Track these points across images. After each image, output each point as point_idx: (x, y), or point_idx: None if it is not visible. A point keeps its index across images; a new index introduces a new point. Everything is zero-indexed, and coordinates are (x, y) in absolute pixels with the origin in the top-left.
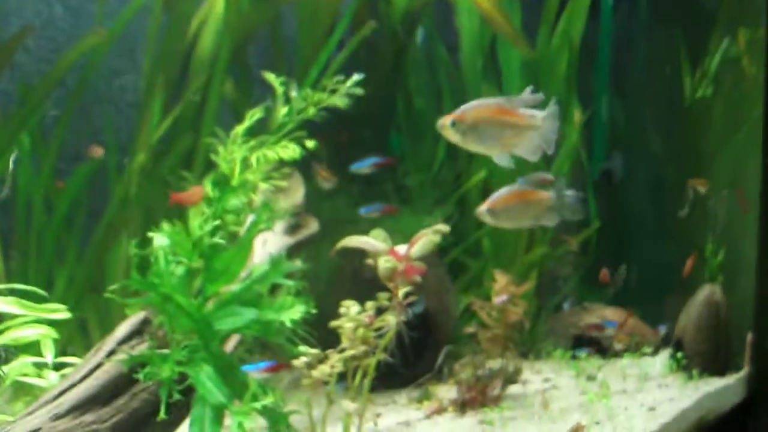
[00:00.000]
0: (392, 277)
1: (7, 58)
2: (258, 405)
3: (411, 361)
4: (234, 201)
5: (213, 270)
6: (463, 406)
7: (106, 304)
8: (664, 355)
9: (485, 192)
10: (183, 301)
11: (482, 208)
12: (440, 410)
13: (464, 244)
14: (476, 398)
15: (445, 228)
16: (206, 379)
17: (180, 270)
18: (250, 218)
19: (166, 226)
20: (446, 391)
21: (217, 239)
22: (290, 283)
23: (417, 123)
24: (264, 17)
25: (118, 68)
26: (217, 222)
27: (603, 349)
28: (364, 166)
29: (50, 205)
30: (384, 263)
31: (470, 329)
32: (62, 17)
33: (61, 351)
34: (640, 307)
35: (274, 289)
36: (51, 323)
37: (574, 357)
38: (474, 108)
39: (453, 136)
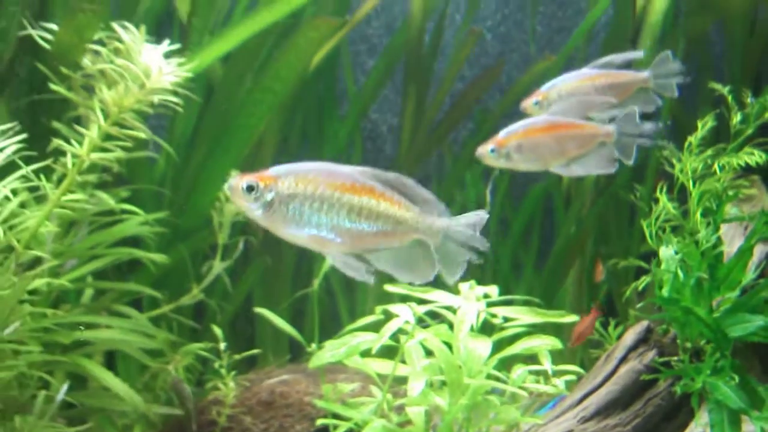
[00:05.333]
0: None
1: (484, 90)
2: None
3: None
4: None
5: (716, 278)
6: None
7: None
8: None
9: None
10: (702, 313)
11: (485, 147)
12: None
13: None
14: None
15: None
16: (724, 386)
17: (691, 281)
18: (727, 228)
19: (674, 239)
20: None
21: (719, 249)
22: None
23: None
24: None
25: None
26: (718, 233)
27: None
28: None
29: (507, 223)
30: None
31: None
32: (492, 45)
33: None
34: None
35: None
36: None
37: None
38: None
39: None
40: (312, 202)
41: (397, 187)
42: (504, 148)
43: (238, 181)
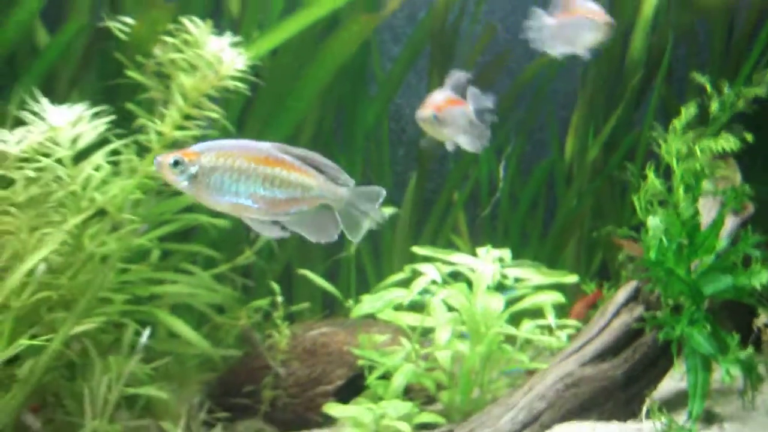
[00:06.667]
0: None
1: (495, 75)
2: (740, 356)
3: None
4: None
5: (694, 244)
6: None
7: None
8: None
9: None
10: (682, 274)
11: (426, 112)
12: None
13: None
14: None
15: None
16: (697, 335)
17: (673, 246)
18: (705, 202)
19: (660, 210)
20: None
21: (697, 219)
22: (757, 253)
23: None
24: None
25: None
26: (696, 206)
27: None
28: None
29: (516, 197)
30: None
31: None
32: (501, 34)
33: None
34: None
35: None
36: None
37: None
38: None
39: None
40: (231, 173)
41: (307, 159)
42: (441, 113)
43: (164, 157)
